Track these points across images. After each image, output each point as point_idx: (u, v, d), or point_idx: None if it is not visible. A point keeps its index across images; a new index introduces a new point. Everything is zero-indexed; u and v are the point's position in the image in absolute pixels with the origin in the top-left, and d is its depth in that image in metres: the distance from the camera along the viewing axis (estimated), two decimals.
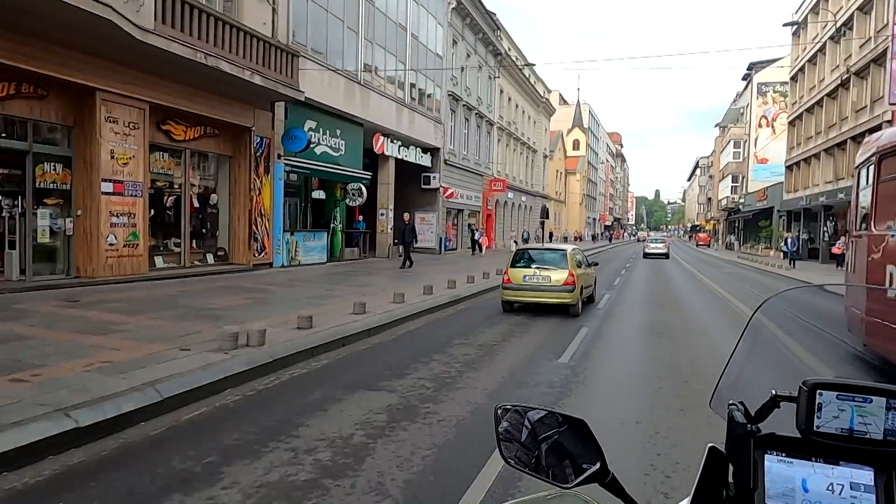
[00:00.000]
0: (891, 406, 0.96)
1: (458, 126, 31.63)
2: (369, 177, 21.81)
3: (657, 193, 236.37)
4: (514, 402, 1.15)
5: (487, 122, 36.97)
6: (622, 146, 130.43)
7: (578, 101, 79.44)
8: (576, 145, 78.10)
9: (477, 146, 35.03)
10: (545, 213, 52.73)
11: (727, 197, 56.92)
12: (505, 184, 39.04)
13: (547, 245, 17.47)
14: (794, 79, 40.89)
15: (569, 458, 1.05)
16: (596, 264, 14.32)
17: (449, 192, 29.66)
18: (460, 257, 28.39)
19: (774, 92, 50.44)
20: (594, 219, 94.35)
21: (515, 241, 35.02)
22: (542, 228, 54.41)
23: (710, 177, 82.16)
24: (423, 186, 28.26)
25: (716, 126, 77.68)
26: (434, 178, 28.44)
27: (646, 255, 35.62)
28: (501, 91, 39.92)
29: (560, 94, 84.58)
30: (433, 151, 28.07)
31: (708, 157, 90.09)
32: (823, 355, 1.39)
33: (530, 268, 11.16)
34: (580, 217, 78.28)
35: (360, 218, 23.17)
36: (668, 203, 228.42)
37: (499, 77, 38.70)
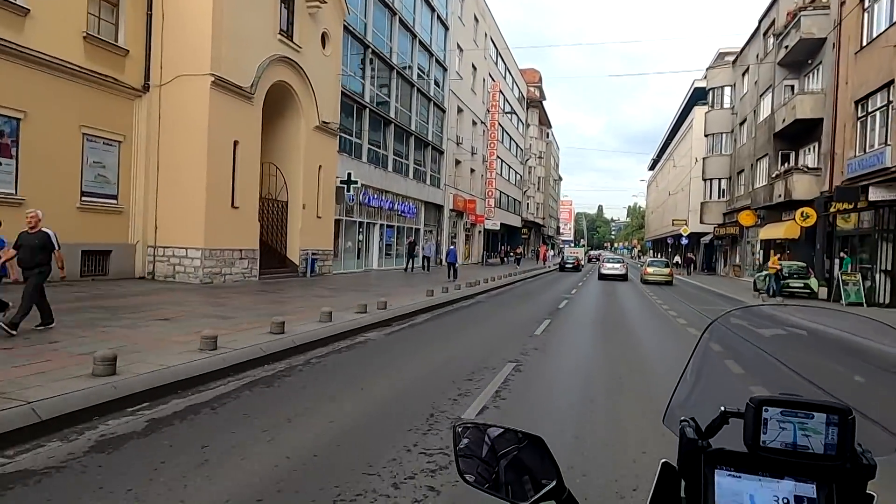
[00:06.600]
0: (830, 422, 0.98)
1: None
2: None
3: (600, 209, 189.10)
4: (474, 420, 1.39)
5: None
6: (544, 98, 72.82)
7: None
8: None
9: None
10: None
11: None
12: None
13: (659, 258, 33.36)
14: None
15: (528, 474, 1.05)
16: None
17: None
18: None
19: None
20: (449, 212, 35.17)
21: None
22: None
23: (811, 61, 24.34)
24: None
25: None
26: None
27: (601, 277, 32.31)
28: None
29: None
30: None
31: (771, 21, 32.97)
32: (769, 372, 1.42)
33: (653, 266, 29.52)
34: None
35: None
36: (612, 220, 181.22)
37: None
